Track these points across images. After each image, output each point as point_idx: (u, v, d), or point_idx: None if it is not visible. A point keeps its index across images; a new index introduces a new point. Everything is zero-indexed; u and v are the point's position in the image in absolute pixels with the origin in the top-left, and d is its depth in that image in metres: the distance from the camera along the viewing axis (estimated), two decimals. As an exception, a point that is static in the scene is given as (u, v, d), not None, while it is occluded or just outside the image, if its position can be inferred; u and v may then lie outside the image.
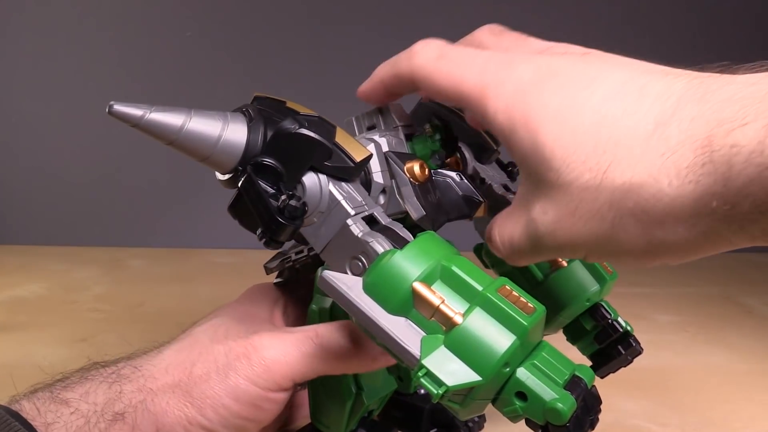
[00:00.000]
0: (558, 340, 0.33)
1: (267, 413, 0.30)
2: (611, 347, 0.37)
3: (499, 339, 0.24)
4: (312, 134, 0.27)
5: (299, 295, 0.36)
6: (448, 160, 0.35)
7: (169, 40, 0.92)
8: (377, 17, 0.96)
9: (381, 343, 0.26)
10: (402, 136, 0.33)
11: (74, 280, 0.78)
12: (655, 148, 0.21)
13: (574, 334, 0.39)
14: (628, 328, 0.37)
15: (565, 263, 0.37)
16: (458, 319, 0.24)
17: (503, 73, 0.26)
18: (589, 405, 0.26)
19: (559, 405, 0.24)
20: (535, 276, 0.38)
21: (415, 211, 0.31)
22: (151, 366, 0.30)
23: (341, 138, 0.29)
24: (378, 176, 0.31)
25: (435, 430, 0.39)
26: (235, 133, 0.27)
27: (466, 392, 0.24)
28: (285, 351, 0.29)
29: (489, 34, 0.30)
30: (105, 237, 0.95)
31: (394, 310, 0.26)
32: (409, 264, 0.26)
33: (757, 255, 1.04)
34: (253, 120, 0.28)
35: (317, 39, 0.94)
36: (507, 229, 0.28)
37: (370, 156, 0.29)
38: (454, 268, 0.26)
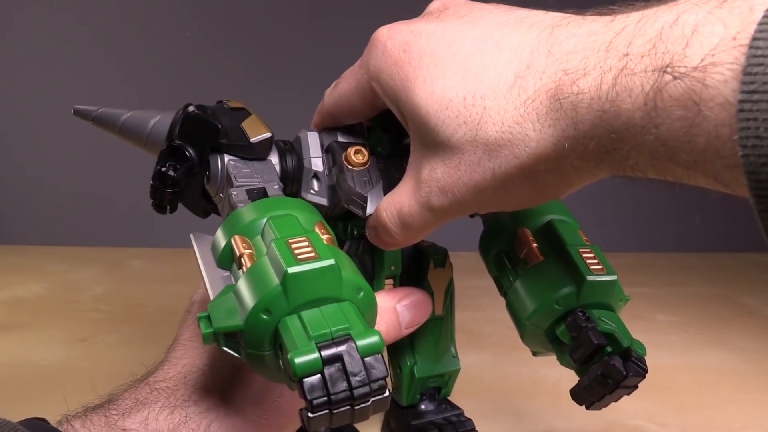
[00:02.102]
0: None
1: None
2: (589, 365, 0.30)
3: (262, 284, 0.23)
4: (200, 114, 0.31)
5: None
6: None
7: (169, 40, 0.92)
8: (379, 17, 0.95)
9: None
10: (360, 128, 0.34)
11: (74, 280, 0.78)
12: (517, 97, 0.23)
13: (558, 351, 0.33)
14: (627, 344, 0.30)
15: (540, 257, 0.33)
16: (247, 267, 0.24)
17: (374, 53, 0.28)
18: (352, 371, 0.21)
19: (296, 358, 0.21)
20: (510, 276, 0.34)
21: (325, 199, 0.33)
22: (211, 381, 0.29)
23: (249, 123, 0.32)
24: (311, 162, 0.33)
25: None
26: (163, 123, 0.31)
27: (238, 339, 0.24)
28: None
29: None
30: (105, 237, 0.95)
31: (221, 263, 0.26)
32: (238, 219, 0.27)
33: (757, 255, 1.04)
34: (180, 113, 0.31)
35: (318, 39, 0.94)
36: (393, 202, 0.28)
37: (269, 136, 0.32)
38: (269, 222, 0.26)
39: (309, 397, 0.21)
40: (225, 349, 0.24)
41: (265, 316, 0.23)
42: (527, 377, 0.54)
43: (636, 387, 0.30)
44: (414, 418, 0.40)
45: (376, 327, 0.32)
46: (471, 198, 0.25)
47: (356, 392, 0.21)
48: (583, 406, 0.31)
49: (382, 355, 0.22)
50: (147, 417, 0.28)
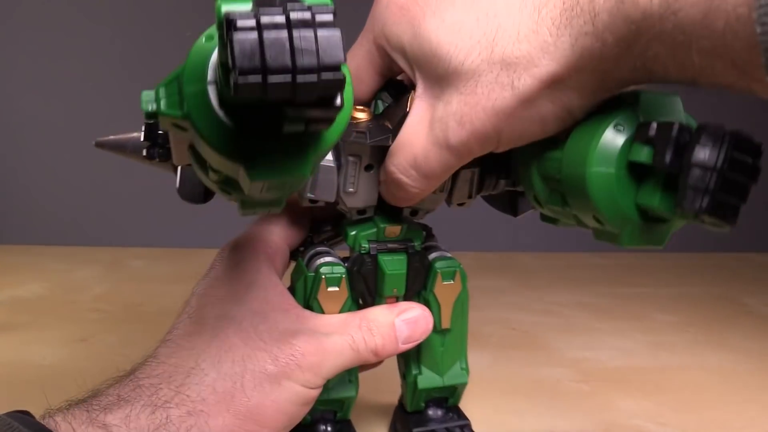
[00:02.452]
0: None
1: (310, 407, 0.31)
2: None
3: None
4: None
5: (279, 240, 0.36)
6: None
7: (169, 40, 0.92)
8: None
9: None
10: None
11: (74, 280, 0.78)
12: (531, 6, 0.23)
13: (637, 189, 0.24)
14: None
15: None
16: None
17: (378, 10, 0.28)
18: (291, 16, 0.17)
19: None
20: (556, 155, 0.26)
21: (332, 159, 0.31)
22: (194, 385, 0.29)
23: None
24: None
25: None
26: None
27: (179, 94, 0.21)
28: (327, 359, 0.30)
29: None
30: (105, 237, 0.95)
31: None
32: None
33: (757, 255, 1.04)
34: None
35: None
36: (404, 154, 0.27)
37: None
38: None
39: (237, 48, 0.16)
40: (165, 113, 0.22)
41: (207, 42, 0.21)
42: (527, 377, 0.54)
43: (755, 177, 0.21)
44: (417, 425, 0.39)
45: (372, 340, 0.31)
46: (490, 124, 0.24)
47: (297, 42, 0.16)
48: (699, 214, 0.21)
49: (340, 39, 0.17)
50: (128, 414, 0.27)
